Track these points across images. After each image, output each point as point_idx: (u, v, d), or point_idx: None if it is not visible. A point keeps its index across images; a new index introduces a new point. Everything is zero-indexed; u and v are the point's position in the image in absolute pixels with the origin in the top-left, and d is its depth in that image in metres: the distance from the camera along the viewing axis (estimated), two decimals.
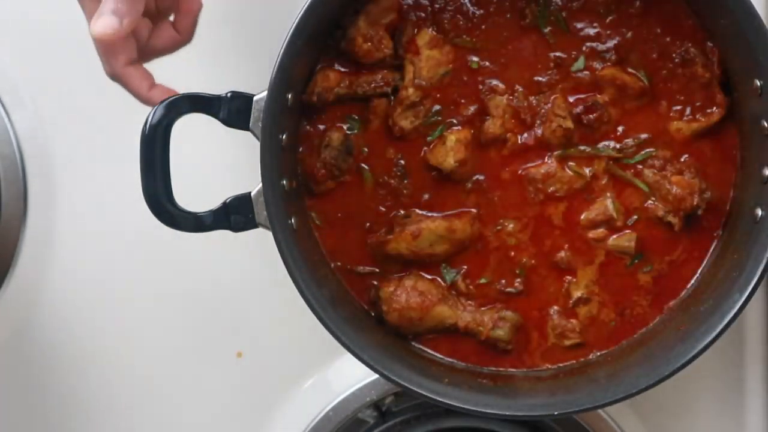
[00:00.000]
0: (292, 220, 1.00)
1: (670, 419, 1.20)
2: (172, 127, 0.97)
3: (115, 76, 0.99)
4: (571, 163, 1.07)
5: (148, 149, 0.96)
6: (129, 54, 0.98)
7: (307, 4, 0.96)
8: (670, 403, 1.19)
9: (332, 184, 1.07)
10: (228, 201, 0.99)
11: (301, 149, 1.06)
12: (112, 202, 1.20)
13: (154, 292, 1.21)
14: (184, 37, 1.01)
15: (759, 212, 0.99)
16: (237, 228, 0.99)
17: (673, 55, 1.05)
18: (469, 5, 1.06)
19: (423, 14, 1.06)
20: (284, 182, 1.00)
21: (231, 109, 0.97)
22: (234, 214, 0.98)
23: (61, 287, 1.22)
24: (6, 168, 1.20)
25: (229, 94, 0.98)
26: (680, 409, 1.20)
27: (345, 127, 1.07)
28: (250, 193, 0.99)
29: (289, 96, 1.00)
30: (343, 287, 1.08)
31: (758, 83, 0.98)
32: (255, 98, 0.97)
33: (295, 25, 0.96)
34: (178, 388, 1.22)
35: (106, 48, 0.97)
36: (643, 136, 1.07)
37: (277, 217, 0.97)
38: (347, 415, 1.17)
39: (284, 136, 1.00)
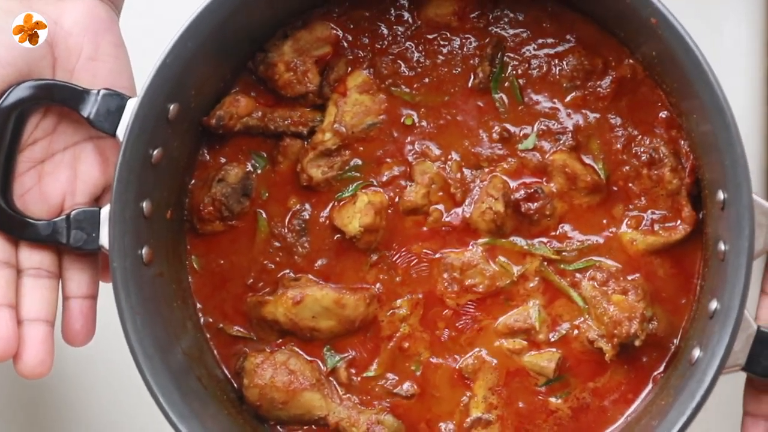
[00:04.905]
0: (143, 251, 0.85)
1: None
2: (27, 118, 0.84)
3: None
4: (500, 257, 0.90)
5: None
6: None
7: (205, 3, 0.83)
8: None
9: (220, 226, 0.93)
10: (72, 213, 0.85)
11: (193, 180, 0.92)
12: None
13: None
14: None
15: (696, 353, 0.81)
16: (75, 245, 0.85)
17: (641, 150, 0.89)
18: (414, 52, 0.92)
19: (361, 53, 0.92)
20: (144, 204, 0.86)
21: (100, 109, 0.84)
22: (76, 229, 0.85)
23: None
24: None
25: (101, 91, 0.84)
26: None
27: (248, 164, 0.92)
28: (99, 208, 0.84)
29: (171, 107, 0.85)
30: (207, 347, 0.92)
31: (722, 196, 0.80)
32: (129, 100, 0.84)
33: (186, 25, 0.83)
34: None
35: None
36: (589, 240, 0.90)
37: (119, 242, 0.83)
38: None
39: (156, 152, 0.86)
